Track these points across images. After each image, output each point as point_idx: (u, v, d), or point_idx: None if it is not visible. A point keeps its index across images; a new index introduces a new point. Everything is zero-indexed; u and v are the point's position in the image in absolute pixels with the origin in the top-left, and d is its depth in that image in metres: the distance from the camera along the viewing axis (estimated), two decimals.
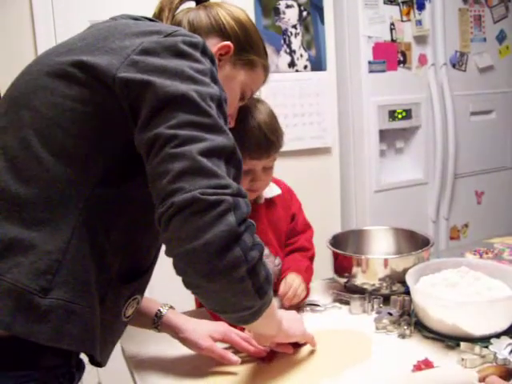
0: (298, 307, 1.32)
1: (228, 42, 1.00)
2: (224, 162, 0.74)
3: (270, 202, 1.42)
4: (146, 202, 0.79)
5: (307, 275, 1.37)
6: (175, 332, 1.11)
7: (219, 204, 0.69)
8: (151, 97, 0.75)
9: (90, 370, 2.41)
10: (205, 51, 0.82)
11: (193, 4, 1.10)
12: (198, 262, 0.71)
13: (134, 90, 0.76)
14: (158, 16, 1.02)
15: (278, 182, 1.47)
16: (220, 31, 1.01)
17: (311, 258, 1.45)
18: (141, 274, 0.90)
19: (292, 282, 1.30)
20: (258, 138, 1.25)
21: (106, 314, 0.84)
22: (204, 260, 0.70)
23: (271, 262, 1.40)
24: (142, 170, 0.78)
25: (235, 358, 1.07)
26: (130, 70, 0.77)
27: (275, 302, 0.97)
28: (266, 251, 1.38)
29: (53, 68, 0.82)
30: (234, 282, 0.74)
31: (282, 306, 1.27)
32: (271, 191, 1.42)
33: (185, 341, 1.10)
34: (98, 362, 0.87)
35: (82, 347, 0.80)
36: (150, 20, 0.94)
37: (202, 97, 0.76)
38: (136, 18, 0.92)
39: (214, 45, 0.98)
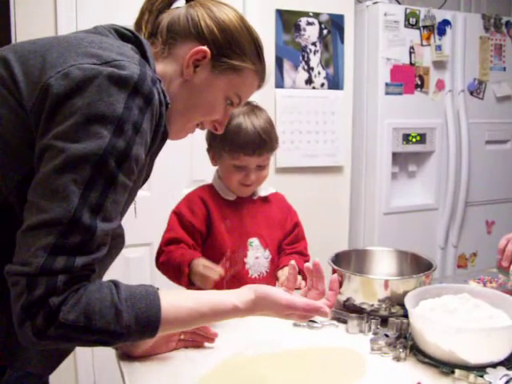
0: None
1: (203, 47, 0.92)
2: (57, 234, 0.73)
3: (265, 199, 1.57)
4: None
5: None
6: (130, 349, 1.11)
7: (16, 284, 0.74)
8: (50, 154, 0.75)
9: (85, 370, 2.39)
10: (137, 87, 0.78)
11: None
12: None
13: (41, 129, 0.77)
14: (139, 21, 0.97)
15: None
16: (197, 35, 0.93)
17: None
18: None
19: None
20: (250, 135, 1.38)
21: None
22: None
23: (261, 253, 1.51)
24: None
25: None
26: (40, 108, 0.76)
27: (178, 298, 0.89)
28: (257, 243, 1.51)
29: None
30: (51, 345, 0.77)
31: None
32: (266, 190, 1.57)
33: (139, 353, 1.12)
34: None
35: None
36: (124, 36, 0.89)
37: (69, 165, 0.74)
38: (116, 30, 0.89)
39: (190, 49, 0.92)
